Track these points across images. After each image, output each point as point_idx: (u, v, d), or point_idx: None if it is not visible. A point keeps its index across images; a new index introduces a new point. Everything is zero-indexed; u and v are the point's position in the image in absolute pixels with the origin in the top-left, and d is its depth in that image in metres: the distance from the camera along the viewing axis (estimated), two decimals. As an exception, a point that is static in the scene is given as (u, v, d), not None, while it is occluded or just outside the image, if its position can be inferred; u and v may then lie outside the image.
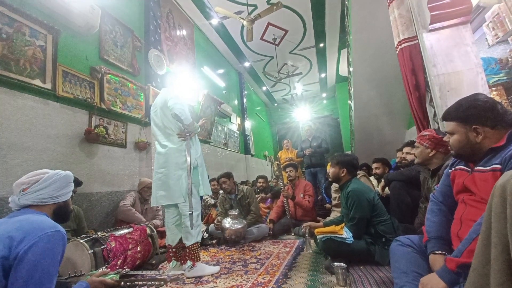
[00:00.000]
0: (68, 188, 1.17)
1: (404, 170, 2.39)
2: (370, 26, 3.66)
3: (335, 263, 1.55)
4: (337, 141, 10.45)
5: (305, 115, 10.21)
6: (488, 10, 2.49)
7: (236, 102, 7.98)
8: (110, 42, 3.32)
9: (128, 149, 3.37)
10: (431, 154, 1.64)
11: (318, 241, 1.95)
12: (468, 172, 1.05)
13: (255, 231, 2.91)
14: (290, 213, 3.19)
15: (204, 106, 5.21)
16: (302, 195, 3.29)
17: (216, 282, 1.76)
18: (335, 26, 6.44)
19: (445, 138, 1.18)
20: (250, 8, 5.25)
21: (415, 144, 1.75)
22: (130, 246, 2.02)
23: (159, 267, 2.26)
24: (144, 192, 3.03)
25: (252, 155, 8.40)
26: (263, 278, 1.75)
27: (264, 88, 10.35)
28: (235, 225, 2.75)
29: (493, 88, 2.62)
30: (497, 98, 2.55)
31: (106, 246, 1.84)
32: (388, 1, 2.58)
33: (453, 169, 1.16)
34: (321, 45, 7.35)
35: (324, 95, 11.66)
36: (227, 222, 2.78)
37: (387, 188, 2.62)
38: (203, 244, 2.88)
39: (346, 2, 4.23)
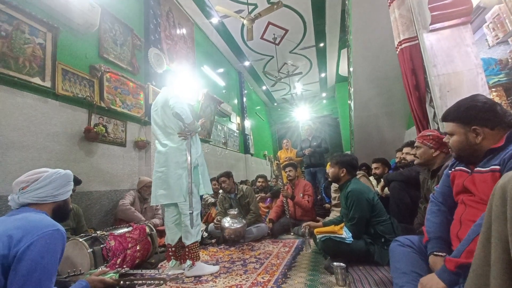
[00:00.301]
0: (68, 187, 1.17)
1: (403, 171, 2.39)
2: (371, 26, 3.66)
3: (335, 263, 1.55)
4: (337, 141, 10.46)
5: (304, 114, 10.20)
6: (489, 11, 2.49)
7: (236, 101, 7.97)
8: (109, 40, 3.32)
9: (128, 148, 3.36)
10: (434, 155, 1.63)
11: (318, 241, 1.95)
12: (468, 173, 1.06)
13: (255, 230, 2.91)
14: (289, 212, 3.19)
15: (204, 105, 5.20)
16: (301, 194, 3.29)
17: (215, 282, 1.76)
18: (335, 26, 6.44)
19: (444, 139, 1.19)
20: (251, 7, 5.24)
21: (416, 145, 1.74)
22: (130, 245, 2.02)
23: (159, 266, 2.25)
24: (143, 191, 3.03)
25: (252, 155, 8.40)
26: (262, 278, 1.75)
27: (264, 88, 10.35)
28: (235, 225, 2.75)
29: (493, 89, 2.62)
30: (496, 99, 2.56)
31: (105, 245, 1.84)
32: (389, 1, 2.58)
33: (453, 170, 1.16)
34: (321, 44, 7.35)
35: (324, 94, 11.67)
36: (227, 222, 2.78)
37: (386, 188, 2.62)
38: (203, 243, 2.88)
39: (346, 2, 4.23)
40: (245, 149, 8.01)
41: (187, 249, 1.96)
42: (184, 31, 5.20)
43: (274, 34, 6.58)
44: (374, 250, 1.79)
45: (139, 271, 1.41)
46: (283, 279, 1.71)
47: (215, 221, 3.01)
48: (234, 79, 8.20)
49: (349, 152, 6.24)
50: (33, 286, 0.85)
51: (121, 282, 1.21)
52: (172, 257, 2.07)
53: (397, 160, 3.06)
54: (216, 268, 1.98)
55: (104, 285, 1.16)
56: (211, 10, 5.41)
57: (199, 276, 1.88)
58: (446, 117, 1.11)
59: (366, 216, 1.85)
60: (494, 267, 0.61)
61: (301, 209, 3.24)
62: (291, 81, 9.41)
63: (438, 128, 2.10)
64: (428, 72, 2.17)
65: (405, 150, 2.59)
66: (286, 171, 3.51)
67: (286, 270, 1.86)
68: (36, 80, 2.38)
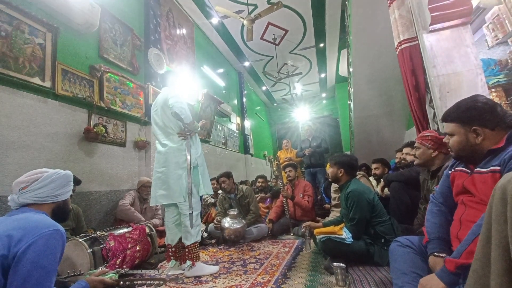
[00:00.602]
0: (68, 187, 1.17)
1: (404, 171, 2.39)
2: (370, 27, 3.66)
3: (335, 264, 1.55)
4: (337, 141, 10.47)
5: (304, 115, 10.21)
6: (488, 12, 2.50)
7: (235, 101, 7.97)
8: (109, 40, 3.32)
9: (128, 148, 3.36)
10: (433, 155, 1.64)
11: (318, 241, 1.95)
12: (468, 174, 1.06)
13: (255, 231, 2.91)
14: (289, 213, 3.19)
15: (204, 105, 5.20)
16: (301, 195, 3.29)
17: (215, 282, 1.76)
18: (335, 26, 6.44)
19: (444, 139, 1.19)
20: (251, 8, 5.24)
21: (416, 145, 1.74)
22: (129, 246, 2.02)
23: (158, 266, 2.25)
24: (141, 190, 3.03)
25: (252, 155, 8.40)
26: (262, 278, 1.75)
27: (264, 88, 10.35)
28: (235, 225, 2.75)
29: (493, 90, 2.62)
30: (496, 100, 2.56)
31: (105, 245, 1.84)
32: (389, 2, 2.58)
33: (452, 170, 1.16)
34: (321, 45, 7.35)
35: (323, 95, 11.67)
36: (227, 222, 2.77)
37: (386, 189, 2.62)
38: (203, 243, 2.88)
39: (346, 2, 4.23)
40: (245, 150, 8.01)
41: (187, 250, 1.96)
42: (184, 31, 5.20)
43: (274, 34, 6.58)
44: (374, 251, 1.79)
45: (138, 272, 1.41)
46: (283, 279, 1.70)
47: (215, 221, 3.00)
48: (234, 80, 8.20)
49: (349, 153, 6.24)
50: (33, 286, 0.85)
51: (121, 282, 1.21)
52: (172, 258, 2.07)
53: (396, 160, 3.07)
54: (216, 268, 1.98)
55: (103, 285, 1.16)
56: (211, 10, 5.41)
57: (199, 277, 1.87)
58: (446, 118, 1.11)
59: (366, 217, 1.85)
60: (494, 267, 0.61)
61: (301, 210, 3.24)
62: (291, 81, 9.41)
63: (438, 128, 2.10)
64: (428, 73, 2.17)
65: (405, 150, 2.60)
66: (286, 172, 3.51)
67: (286, 271, 1.86)
68: (36, 80, 2.38)
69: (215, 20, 5.77)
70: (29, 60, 2.35)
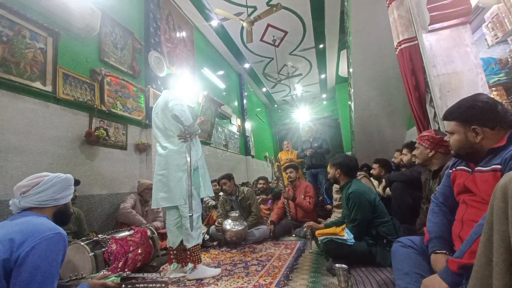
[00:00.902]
0: (69, 191, 1.18)
1: (405, 171, 2.39)
2: (370, 27, 3.67)
3: (337, 265, 1.55)
4: (338, 142, 10.45)
5: (305, 116, 10.20)
6: (487, 11, 2.49)
7: (236, 103, 7.98)
8: (110, 44, 3.33)
9: (129, 151, 3.37)
10: (430, 155, 1.64)
11: (319, 242, 1.94)
12: (469, 173, 1.05)
13: (256, 232, 2.91)
14: (290, 214, 3.18)
15: (204, 107, 5.21)
16: (302, 196, 3.29)
17: (217, 284, 1.76)
18: (334, 27, 6.45)
19: (445, 138, 1.19)
20: (250, 10, 5.26)
21: (416, 145, 1.75)
22: (131, 249, 2.01)
23: (160, 269, 2.25)
24: (145, 193, 3.03)
25: (253, 156, 8.39)
26: (264, 280, 1.75)
27: (264, 89, 10.36)
28: (236, 227, 2.74)
29: (493, 88, 2.62)
30: (497, 98, 2.54)
31: (107, 248, 1.84)
32: (388, 2, 2.58)
33: (453, 169, 1.16)
34: (321, 46, 7.36)
35: (324, 96, 11.68)
36: (228, 224, 2.77)
37: (388, 189, 2.62)
38: (204, 246, 2.87)
39: (345, 3, 4.24)
40: (246, 151, 8.01)
41: (188, 252, 1.96)
42: (184, 34, 5.22)
43: (273, 36, 6.60)
44: (376, 252, 1.78)
45: (140, 275, 1.41)
46: (285, 281, 1.70)
47: (216, 223, 3.00)
48: (234, 81, 8.22)
49: (349, 153, 6.23)
50: (35, 290, 0.85)
51: (123, 285, 1.21)
52: (173, 260, 2.07)
53: (394, 160, 3.07)
54: (218, 270, 1.98)
55: (105, 289, 1.16)
56: (210, 13, 5.43)
57: (201, 279, 1.87)
58: (447, 116, 1.11)
59: (367, 218, 1.84)
60: (496, 267, 0.61)
61: (303, 211, 3.24)
62: (291, 82, 9.42)
63: (439, 128, 2.09)
64: (428, 72, 2.17)
65: (405, 151, 2.59)
66: (287, 173, 3.50)
67: (288, 272, 1.86)
68: (37, 85, 2.39)
69: (214, 23, 5.80)
70: (31, 64, 2.37)
